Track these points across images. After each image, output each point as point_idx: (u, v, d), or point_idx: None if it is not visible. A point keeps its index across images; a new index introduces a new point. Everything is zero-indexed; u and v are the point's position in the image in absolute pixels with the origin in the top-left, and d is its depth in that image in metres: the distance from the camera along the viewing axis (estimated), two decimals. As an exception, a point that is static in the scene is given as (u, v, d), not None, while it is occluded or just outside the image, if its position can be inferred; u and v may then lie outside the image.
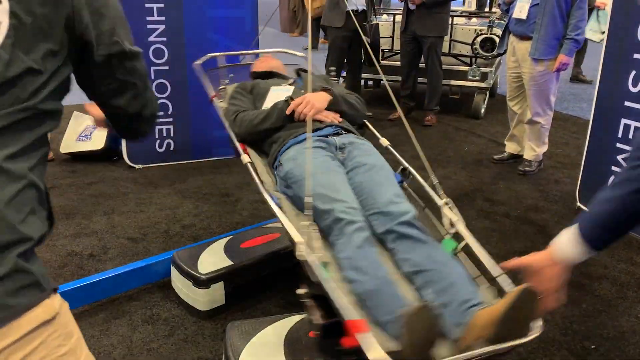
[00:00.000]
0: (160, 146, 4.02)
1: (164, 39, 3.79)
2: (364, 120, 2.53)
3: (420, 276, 1.70)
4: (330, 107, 2.32)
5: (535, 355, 2.13)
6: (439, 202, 1.98)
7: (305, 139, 2.09)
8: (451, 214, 1.92)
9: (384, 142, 2.37)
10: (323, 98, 2.29)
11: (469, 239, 1.84)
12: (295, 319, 1.99)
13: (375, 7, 5.48)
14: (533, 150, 3.99)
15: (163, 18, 3.75)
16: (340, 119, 2.32)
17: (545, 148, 4.02)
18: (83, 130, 4.18)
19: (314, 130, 2.15)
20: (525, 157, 4.06)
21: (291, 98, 2.29)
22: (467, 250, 1.86)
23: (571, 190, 3.68)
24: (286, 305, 2.39)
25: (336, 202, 1.81)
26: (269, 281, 2.48)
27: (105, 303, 2.38)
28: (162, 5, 3.73)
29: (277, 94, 2.44)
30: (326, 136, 2.16)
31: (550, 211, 3.40)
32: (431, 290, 1.65)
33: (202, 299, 2.27)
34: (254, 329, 1.92)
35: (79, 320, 2.25)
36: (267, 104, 2.39)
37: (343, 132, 2.25)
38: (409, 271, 1.74)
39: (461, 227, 1.89)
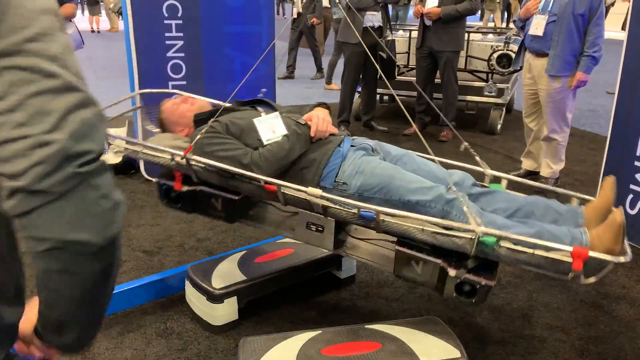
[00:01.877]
0: (177, 160, 4.06)
1: (182, 54, 3.85)
2: None
3: (518, 215, 1.95)
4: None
5: (550, 376, 2.10)
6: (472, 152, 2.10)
7: (348, 152, 2.08)
8: (483, 163, 2.16)
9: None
10: (326, 112, 2.20)
11: (508, 175, 2.23)
12: (308, 335, 1.98)
13: (391, 23, 5.51)
14: (550, 167, 3.95)
15: (181, 34, 3.82)
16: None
17: (562, 165, 3.99)
18: (101, 143, 4.24)
19: (340, 142, 2.13)
20: (541, 174, 4.03)
21: (304, 122, 2.10)
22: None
23: (588, 208, 3.64)
24: (299, 320, 2.39)
25: (432, 188, 1.89)
26: (282, 296, 2.48)
27: (120, 316, 2.40)
28: (180, 21, 3.79)
29: (268, 124, 2.17)
30: (354, 143, 2.16)
31: (567, 229, 3.36)
32: (534, 219, 1.93)
33: (216, 314, 2.28)
34: (267, 345, 1.92)
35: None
36: (266, 135, 2.12)
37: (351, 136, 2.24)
38: (506, 216, 1.94)
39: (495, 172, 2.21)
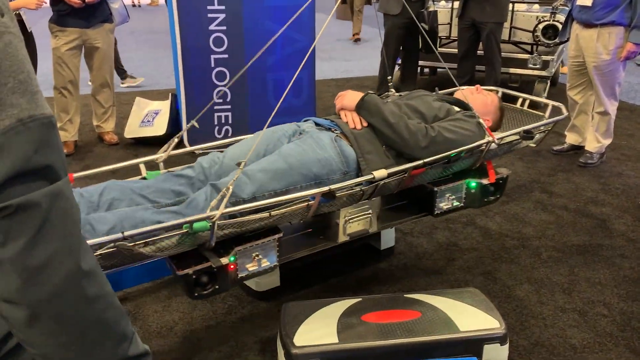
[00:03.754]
0: (219, 132, 4.14)
1: (224, 27, 3.89)
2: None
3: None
4: (360, 113, 2.12)
5: (591, 349, 2.10)
6: None
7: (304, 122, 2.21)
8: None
9: None
10: (354, 98, 2.14)
11: None
12: (348, 302, 2.04)
13: (433, -6, 5.40)
14: (598, 141, 3.86)
15: (223, 7, 3.85)
16: (360, 127, 2.09)
17: (610, 140, 3.89)
18: (145, 115, 4.36)
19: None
20: (587, 148, 3.94)
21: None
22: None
23: (635, 184, 3.55)
24: (339, 289, 2.44)
25: None
26: (321, 266, 2.53)
27: (167, 281, 2.50)
28: (222, -6, 3.82)
29: None
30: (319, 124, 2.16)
31: (611, 205, 3.30)
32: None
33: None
34: (309, 310, 1.98)
35: (144, 295, 2.39)
36: None
37: (335, 129, 2.10)
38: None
39: None
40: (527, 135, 2.39)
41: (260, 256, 1.84)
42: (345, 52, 8.62)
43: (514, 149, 2.53)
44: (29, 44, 4.18)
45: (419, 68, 5.76)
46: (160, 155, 2.11)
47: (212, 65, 3.94)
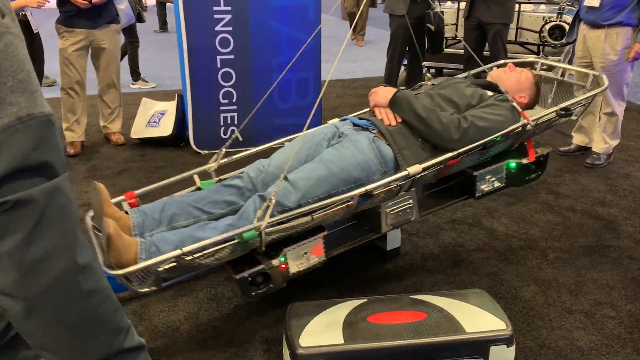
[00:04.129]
0: (225, 133, 4.14)
1: (230, 28, 3.90)
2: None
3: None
4: (393, 109, 2.19)
5: (598, 351, 2.08)
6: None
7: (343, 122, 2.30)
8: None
9: None
10: (386, 95, 2.20)
11: None
12: (354, 303, 2.03)
13: (440, -6, 5.39)
14: (605, 142, 3.84)
15: (229, 8, 3.85)
16: (395, 123, 2.15)
17: (617, 141, 3.87)
18: (152, 116, 4.37)
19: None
20: (594, 149, 3.92)
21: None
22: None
23: (643, 185, 3.53)
24: (345, 290, 2.44)
25: None
26: (327, 266, 2.53)
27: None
28: (228, -5, 3.83)
29: None
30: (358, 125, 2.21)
31: (618, 206, 3.28)
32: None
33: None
34: (314, 310, 1.98)
35: (149, 295, 2.40)
36: None
37: (372, 128, 2.15)
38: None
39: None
40: (565, 113, 2.34)
41: (308, 253, 1.99)
42: (350, 53, 8.62)
43: (554, 125, 2.51)
44: (34, 44, 4.20)
45: (424, 69, 5.75)
46: (212, 165, 2.31)
47: (218, 65, 3.95)
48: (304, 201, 1.93)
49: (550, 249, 2.79)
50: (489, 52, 5.01)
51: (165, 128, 4.24)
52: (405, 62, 5.47)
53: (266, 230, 1.80)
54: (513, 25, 5.16)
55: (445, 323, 1.90)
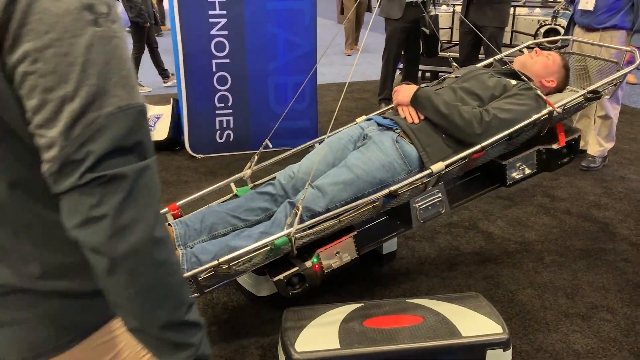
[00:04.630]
0: (221, 137, 4.14)
1: (225, 32, 3.89)
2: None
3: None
4: (415, 107, 2.19)
5: (594, 355, 2.08)
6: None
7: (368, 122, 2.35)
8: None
9: None
10: (407, 93, 2.21)
11: None
12: (350, 307, 2.03)
13: (435, -2, 5.41)
14: (600, 145, 3.85)
15: (225, 12, 3.85)
16: (417, 120, 2.16)
17: (612, 143, 3.88)
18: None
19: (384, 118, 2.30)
20: (589, 152, 3.93)
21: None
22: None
23: (638, 188, 3.54)
24: (341, 294, 2.43)
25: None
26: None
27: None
28: (224, -1, 3.83)
29: None
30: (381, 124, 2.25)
31: (614, 209, 3.28)
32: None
33: (261, 285, 2.35)
34: (310, 315, 1.98)
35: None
36: None
37: (396, 128, 2.17)
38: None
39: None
40: (594, 96, 2.28)
41: (340, 252, 2.04)
42: (346, 57, 8.63)
43: (585, 106, 2.45)
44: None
45: (420, 72, 5.76)
46: (246, 172, 2.40)
47: (214, 69, 3.95)
48: (332, 205, 2.00)
49: (546, 252, 2.79)
50: (484, 56, 5.03)
51: (161, 132, 4.23)
52: (401, 65, 5.48)
53: (296, 235, 1.89)
54: (508, 29, 5.18)
55: (442, 327, 1.90)
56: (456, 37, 5.44)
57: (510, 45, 5.34)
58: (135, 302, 0.70)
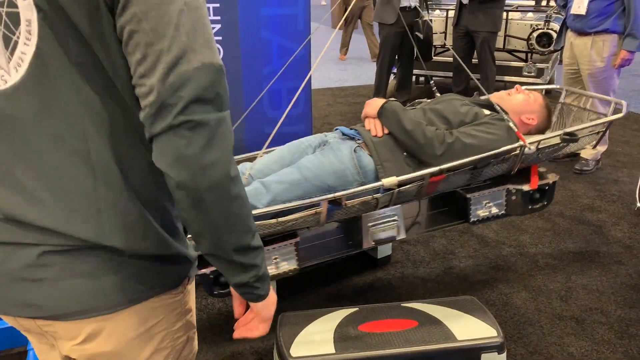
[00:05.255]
0: (215, 142, 4.14)
1: (219, 37, 3.90)
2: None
3: None
4: (381, 120, 2.13)
5: (589, 357, 2.09)
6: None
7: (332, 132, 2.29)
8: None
9: None
10: (376, 105, 2.17)
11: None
12: (345, 312, 2.02)
13: (428, 2, 5.43)
14: (593, 148, 3.87)
15: (219, 17, 3.86)
16: (381, 134, 2.10)
17: (605, 147, 3.90)
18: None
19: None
20: (582, 155, 3.95)
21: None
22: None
23: (631, 190, 3.56)
24: (336, 299, 2.43)
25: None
26: (317, 275, 2.53)
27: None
28: (217, 4, 3.83)
29: None
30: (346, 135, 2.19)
31: (607, 211, 3.30)
32: None
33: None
34: (305, 320, 1.97)
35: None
36: None
37: (358, 138, 2.12)
38: None
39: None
40: (570, 138, 2.15)
41: (278, 259, 1.93)
42: (341, 61, 8.65)
43: (561, 154, 2.32)
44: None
45: (414, 77, 5.79)
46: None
47: (208, 75, 3.95)
48: (274, 204, 1.89)
49: (540, 255, 2.80)
50: (477, 60, 5.06)
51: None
52: (395, 70, 5.50)
53: None
54: (501, 33, 5.21)
55: (437, 331, 1.90)
56: (450, 42, 5.47)
57: (504, 50, 5.38)
58: (213, 230, 0.83)
